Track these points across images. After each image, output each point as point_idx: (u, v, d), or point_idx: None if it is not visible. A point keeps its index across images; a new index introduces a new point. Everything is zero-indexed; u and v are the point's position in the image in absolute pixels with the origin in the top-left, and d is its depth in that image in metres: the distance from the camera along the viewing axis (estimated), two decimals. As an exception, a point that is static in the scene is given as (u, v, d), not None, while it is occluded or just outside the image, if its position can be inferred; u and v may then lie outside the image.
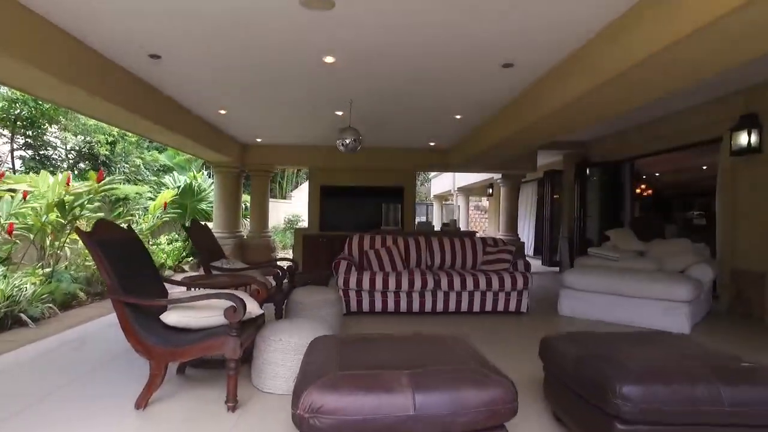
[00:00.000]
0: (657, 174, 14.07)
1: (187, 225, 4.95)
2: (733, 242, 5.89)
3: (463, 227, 17.36)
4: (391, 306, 5.55)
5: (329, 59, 4.65)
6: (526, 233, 14.08)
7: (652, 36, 3.21)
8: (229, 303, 2.78)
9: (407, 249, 6.18)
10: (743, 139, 5.57)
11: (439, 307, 5.60)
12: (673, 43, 3.04)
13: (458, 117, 7.11)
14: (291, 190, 21.72)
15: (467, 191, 16.94)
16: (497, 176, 10.73)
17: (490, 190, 16.23)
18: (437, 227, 17.56)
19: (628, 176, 8.96)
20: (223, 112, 7.00)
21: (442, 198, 21.46)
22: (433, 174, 21.81)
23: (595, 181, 9.42)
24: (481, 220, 21.84)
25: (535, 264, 11.66)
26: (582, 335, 2.77)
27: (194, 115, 7.13)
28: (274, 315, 4.39)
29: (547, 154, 10.52)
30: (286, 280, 4.61)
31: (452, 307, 5.61)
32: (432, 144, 9.83)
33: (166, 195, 10.09)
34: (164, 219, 9.65)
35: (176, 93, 6.03)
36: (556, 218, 11.10)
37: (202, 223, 5.32)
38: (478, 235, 14.98)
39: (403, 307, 5.55)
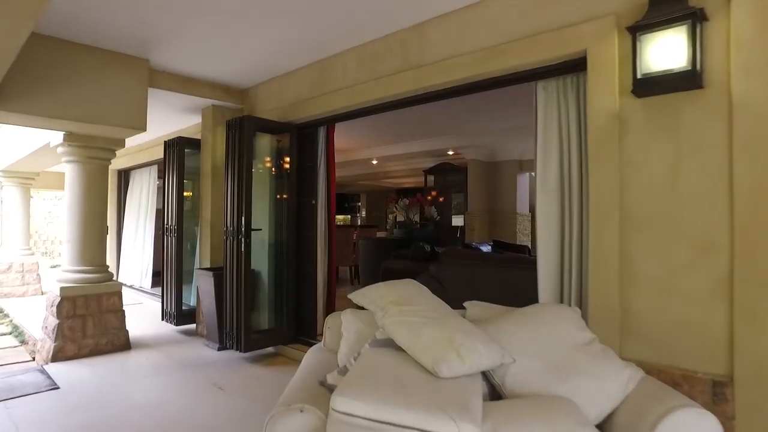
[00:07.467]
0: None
1: None
2: (622, 297, 2.47)
3: (22, 256, 8.84)
4: None
5: None
6: (141, 251, 8.42)
7: None
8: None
9: None
10: (674, 50, 2.13)
11: None
12: None
13: None
14: None
15: (22, 177, 8.97)
16: (58, 141, 4.87)
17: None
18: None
19: (324, 150, 4.93)
20: None
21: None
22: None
23: (267, 159, 5.01)
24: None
25: (154, 310, 6.37)
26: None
27: None
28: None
29: (173, 106, 5.43)
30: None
31: None
32: None
33: None
34: None
35: None
36: (189, 226, 6.10)
37: None
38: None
39: None
